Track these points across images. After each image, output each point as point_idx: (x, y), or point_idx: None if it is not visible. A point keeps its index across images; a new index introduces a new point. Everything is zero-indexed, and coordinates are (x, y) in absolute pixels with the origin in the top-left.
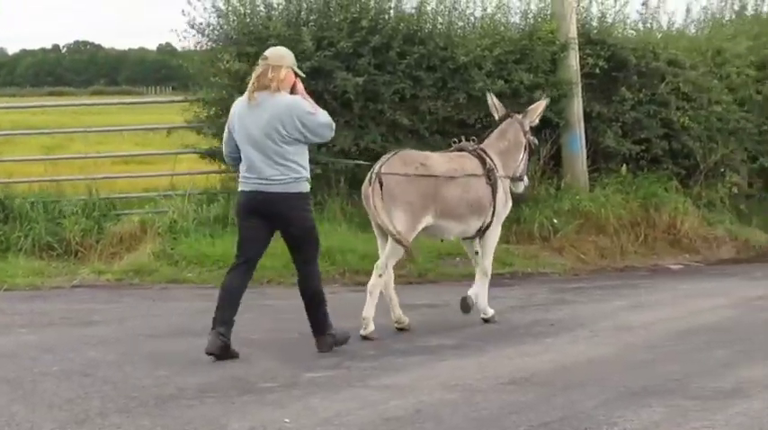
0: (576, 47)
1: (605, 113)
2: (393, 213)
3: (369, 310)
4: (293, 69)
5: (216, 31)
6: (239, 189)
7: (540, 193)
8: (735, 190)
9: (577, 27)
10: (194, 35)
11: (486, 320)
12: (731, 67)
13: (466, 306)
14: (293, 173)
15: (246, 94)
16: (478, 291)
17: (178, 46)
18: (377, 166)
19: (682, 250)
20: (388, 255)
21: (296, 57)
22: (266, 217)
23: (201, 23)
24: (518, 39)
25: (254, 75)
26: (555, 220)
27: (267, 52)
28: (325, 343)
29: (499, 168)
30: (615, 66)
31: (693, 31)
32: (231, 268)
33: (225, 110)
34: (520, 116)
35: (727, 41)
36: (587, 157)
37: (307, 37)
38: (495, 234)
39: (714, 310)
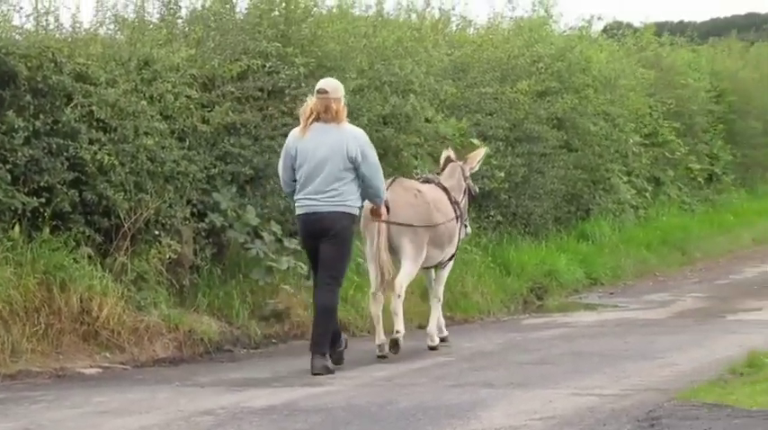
0: None
1: None
2: (401, 240)
3: (400, 324)
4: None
5: None
6: (298, 212)
7: None
8: (171, 256)
9: None
10: None
11: (431, 348)
12: (165, 85)
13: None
14: (347, 197)
15: (304, 124)
16: (435, 320)
17: None
18: None
19: (99, 347)
20: (403, 277)
21: None
22: (321, 235)
23: None
24: None
25: (311, 107)
26: None
27: (325, 86)
28: (318, 365)
29: None
30: (0, 80)
31: (111, 32)
32: (315, 286)
33: None
34: (461, 162)
35: (158, 48)
36: None
37: None
38: (450, 265)
39: None
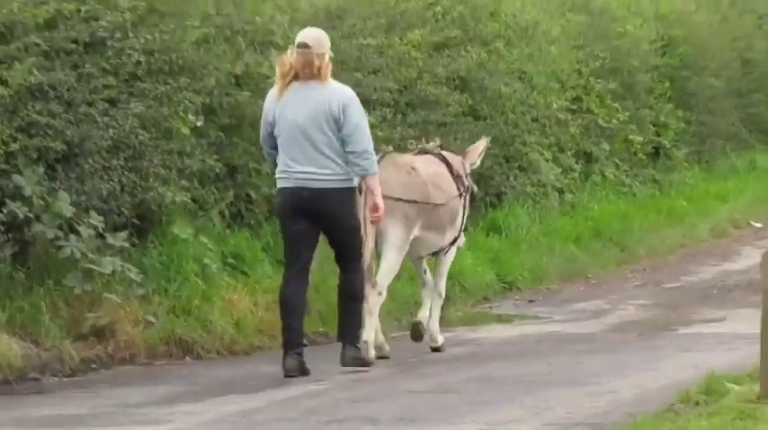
0: None
1: None
2: (387, 224)
3: (369, 334)
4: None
5: None
6: (279, 186)
7: None
8: None
9: None
10: None
11: (434, 349)
12: None
13: (418, 333)
14: (342, 168)
15: (282, 84)
16: (431, 315)
17: None
18: None
19: None
20: (385, 272)
21: None
22: (313, 215)
23: None
24: None
25: (290, 63)
26: None
27: (306, 38)
28: (350, 356)
29: None
30: None
31: None
32: (286, 280)
33: None
34: (460, 158)
35: None
36: None
37: None
38: (453, 252)
39: None
